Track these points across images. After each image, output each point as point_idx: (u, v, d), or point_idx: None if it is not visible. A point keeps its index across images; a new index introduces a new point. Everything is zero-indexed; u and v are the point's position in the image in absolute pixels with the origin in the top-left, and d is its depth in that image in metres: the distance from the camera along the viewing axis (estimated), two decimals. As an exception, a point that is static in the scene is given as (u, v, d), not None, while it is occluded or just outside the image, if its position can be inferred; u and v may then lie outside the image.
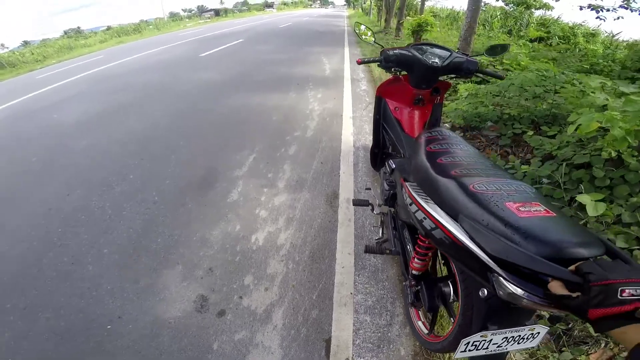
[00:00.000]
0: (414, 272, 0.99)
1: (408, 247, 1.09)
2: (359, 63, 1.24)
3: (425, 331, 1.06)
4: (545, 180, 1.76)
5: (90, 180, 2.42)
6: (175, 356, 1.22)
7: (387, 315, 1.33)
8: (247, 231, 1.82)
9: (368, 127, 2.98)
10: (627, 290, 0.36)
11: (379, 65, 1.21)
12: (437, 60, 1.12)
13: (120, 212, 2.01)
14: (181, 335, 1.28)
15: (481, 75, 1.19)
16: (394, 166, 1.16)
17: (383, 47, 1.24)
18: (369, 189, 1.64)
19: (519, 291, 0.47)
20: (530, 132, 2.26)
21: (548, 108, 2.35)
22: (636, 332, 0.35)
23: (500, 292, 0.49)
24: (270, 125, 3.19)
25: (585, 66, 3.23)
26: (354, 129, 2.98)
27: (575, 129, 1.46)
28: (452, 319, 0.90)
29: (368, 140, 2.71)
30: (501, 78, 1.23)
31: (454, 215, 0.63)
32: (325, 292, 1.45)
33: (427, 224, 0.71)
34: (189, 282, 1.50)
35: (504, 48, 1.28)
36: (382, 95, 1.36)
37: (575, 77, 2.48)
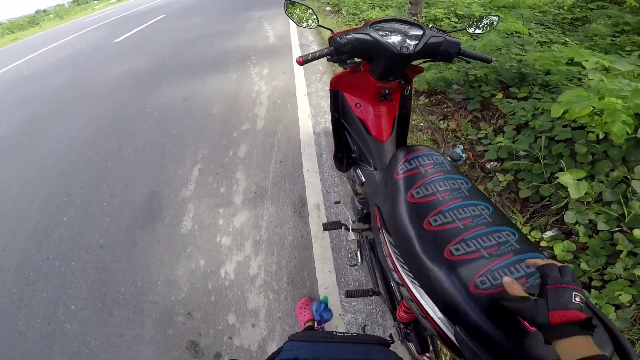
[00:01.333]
0: (401, 321, 0.87)
1: (392, 284, 0.90)
2: (301, 64, 0.82)
3: None
4: (522, 153, 1.60)
5: (20, 231, 1.99)
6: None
7: (380, 329, 1.29)
8: (213, 265, 1.61)
9: (326, 105, 2.58)
10: (579, 296, 0.38)
11: (329, 60, 0.84)
12: (408, 44, 0.80)
13: (69, 263, 1.76)
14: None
15: (464, 58, 0.89)
16: (363, 179, 0.97)
17: (332, 30, 0.87)
18: (339, 202, 1.36)
19: None
20: (500, 95, 2.05)
21: (516, 68, 2.13)
22: (583, 345, 0.35)
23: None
24: (211, 121, 2.67)
25: (539, 15, 2.97)
26: (312, 109, 2.57)
27: (564, 113, 1.24)
28: None
29: (329, 121, 2.32)
30: (488, 61, 0.93)
31: (448, 316, 0.53)
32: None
33: (409, 300, 0.64)
34: (173, 329, 1.42)
35: (490, 23, 0.95)
36: (338, 88, 1.03)
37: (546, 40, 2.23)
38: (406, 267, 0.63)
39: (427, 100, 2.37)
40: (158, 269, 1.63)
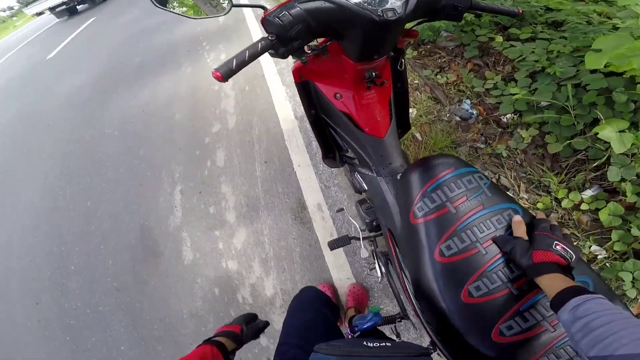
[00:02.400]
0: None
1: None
2: (221, 79, 0.49)
3: None
4: (544, 104, 1.34)
5: (40, 284, 2.00)
6: None
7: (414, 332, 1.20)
8: (228, 292, 1.55)
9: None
10: (560, 245, 0.44)
11: (273, 55, 0.56)
12: (392, 3, 0.52)
13: (97, 308, 1.79)
14: None
15: (478, 12, 0.65)
16: (365, 187, 0.82)
17: (264, 8, 0.57)
18: (342, 209, 1.15)
19: None
20: (499, 38, 1.67)
21: (512, 4, 1.69)
22: (560, 281, 0.41)
23: None
24: (177, 130, 2.35)
25: None
26: (287, 89, 2.22)
27: (605, 66, 0.95)
28: None
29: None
30: (516, 14, 0.68)
31: None
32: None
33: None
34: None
35: None
36: (306, 78, 0.75)
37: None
38: (439, 338, 0.50)
39: (415, 52, 2.00)
40: (177, 303, 1.60)
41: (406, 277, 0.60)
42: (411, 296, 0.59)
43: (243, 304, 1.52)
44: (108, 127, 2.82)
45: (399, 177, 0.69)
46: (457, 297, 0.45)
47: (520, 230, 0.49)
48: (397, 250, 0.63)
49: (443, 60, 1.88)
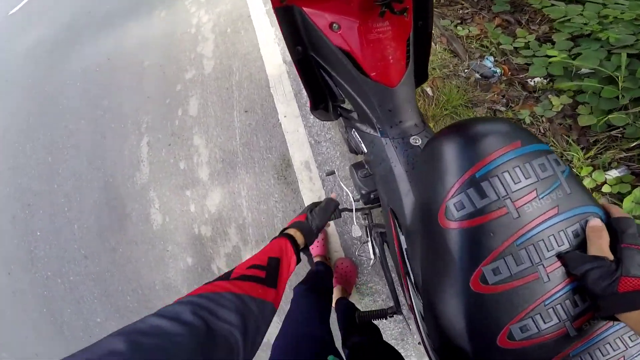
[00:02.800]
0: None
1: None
2: None
3: None
4: (584, 71, 1.19)
5: (9, 252, 1.87)
6: None
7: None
8: (202, 263, 1.42)
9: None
10: None
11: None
12: None
13: (68, 278, 1.67)
14: None
15: None
16: (365, 149, 0.67)
17: None
18: (332, 172, 0.90)
19: None
20: None
21: None
22: None
23: None
24: (146, 77, 2.02)
25: None
26: (277, 31, 1.86)
27: None
28: None
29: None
30: None
31: None
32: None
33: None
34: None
35: None
36: (289, 1, 0.56)
37: None
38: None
39: (435, 3, 1.67)
40: (149, 273, 1.49)
41: (410, 278, 0.48)
42: (416, 312, 0.47)
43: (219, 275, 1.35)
44: (69, 78, 2.46)
45: (412, 140, 0.56)
46: (491, 340, 0.32)
47: (599, 242, 0.32)
48: (402, 241, 0.50)
49: (466, 11, 1.58)
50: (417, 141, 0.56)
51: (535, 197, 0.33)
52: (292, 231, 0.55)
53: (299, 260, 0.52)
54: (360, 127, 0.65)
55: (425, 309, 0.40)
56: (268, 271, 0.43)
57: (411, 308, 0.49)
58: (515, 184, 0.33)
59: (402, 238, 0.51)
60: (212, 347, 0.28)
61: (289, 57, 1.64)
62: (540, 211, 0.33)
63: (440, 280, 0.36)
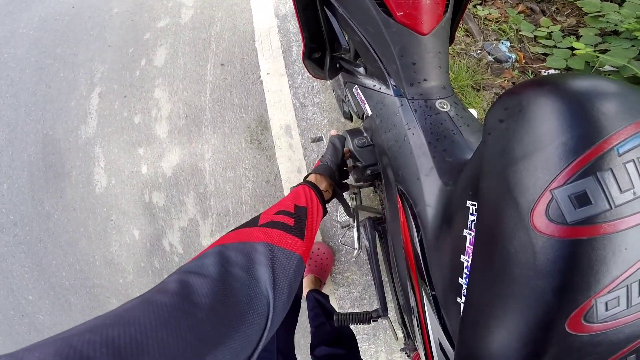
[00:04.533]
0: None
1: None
2: None
3: None
4: (608, 68, 1.15)
5: None
6: None
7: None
8: (151, 237, 1.20)
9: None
10: None
11: None
12: None
13: None
14: None
15: None
16: (369, 110, 0.52)
17: None
18: (320, 139, 0.71)
19: None
20: None
21: None
22: None
23: None
24: (111, 26, 1.75)
25: None
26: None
27: None
28: None
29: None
30: None
31: None
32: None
33: None
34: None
35: None
36: None
37: None
38: None
39: None
40: (88, 246, 1.30)
41: (424, 289, 0.37)
42: (430, 337, 0.36)
43: (170, 253, 1.16)
44: (24, 26, 2.13)
45: (438, 105, 0.45)
46: None
47: None
48: (414, 237, 0.39)
49: None
50: (445, 106, 0.45)
51: None
52: (312, 177, 0.51)
53: (325, 211, 0.48)
54: (367, 82, 0.53)
55: (465, 349, 0.28)
56: (296, 219, 0.38)
57: (422, 323, 0.39)
58: None
59: (415, 232, 0.39)
60: (242, 308, 0.25)
61: (282, 11, 1.45)
62: None
63: (508, 313, 0.23)
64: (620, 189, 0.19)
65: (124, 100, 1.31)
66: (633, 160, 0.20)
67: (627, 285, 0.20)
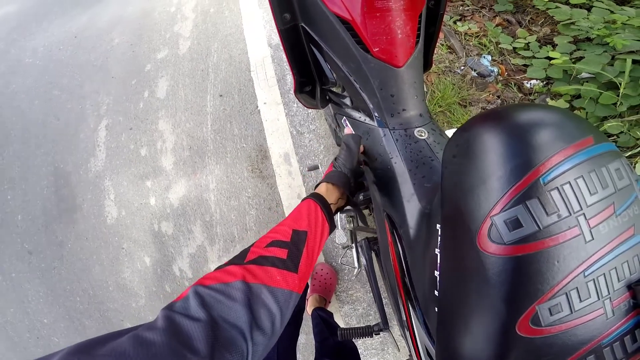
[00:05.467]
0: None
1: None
2: None
3: None
4: (584, 75, 1.19)
5: None
6: None
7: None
8: (162, 263, 1.26)
9: None
10: None
11: None
12: None
13: (10, 275, 1.49)
14: None
15: None
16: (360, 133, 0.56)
17: None
18: (316, 167, 0.76)
19: None
20: None
21: None
22: None
23: None
24: (113, 56, 1.82)
25: None
26: (265, 14, 1.72)
27: None
28: None
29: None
30: None
31: None
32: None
33: None
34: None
35: None
36: None
37: None
38: None
39: None
40: (101, 273, 1.35)
41: (410, 300, 0.42)
42: (418, 342, 0.41)
43: (181, 278, 1.22)
44: (29, 56, 2.21)
45: (417, 133, 0.49)
46: None
47: None
48: (400, 254, 0.44)
49: (466, 8, 1.55)
50: (423, 134, 0.48)
51: (612, 214, 0.25)
52: (323, 188, 0.47)
53: (332, 227, 0.44)
54: (353, 114, 0.56)
55: (441, 350, 0.32)
56: (290, 249, 0.36)
57: (412, 334, 0.42)
58: (591, 195, 0.24)
59: (401, 251, 0.43)
60: (220, 349, 0.26)
61: (274, 40, 1.51)
62: (617, 232, 0.25)
63: (470, 319, 0.27)
64: (547, 213, 0.23)
65: (130, 132, 1.37)
66: (557, 187, 0.23)
67: (566, 293, 0.24)
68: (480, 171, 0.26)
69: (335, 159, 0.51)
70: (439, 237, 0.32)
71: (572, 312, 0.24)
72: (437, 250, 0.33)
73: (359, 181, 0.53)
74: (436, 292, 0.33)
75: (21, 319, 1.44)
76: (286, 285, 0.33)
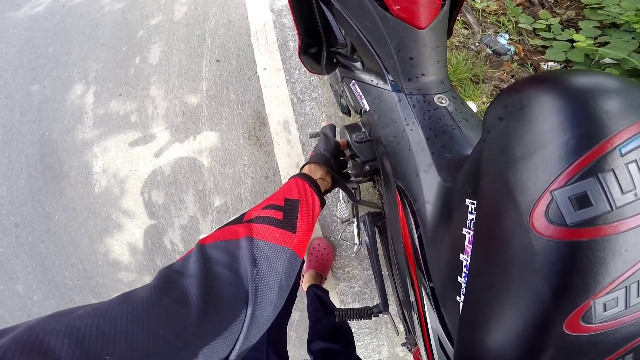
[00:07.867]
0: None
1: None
2: None
3: None
4: (608, 60, 1.15)
5: None
6: None
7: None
8: (152, 235, 1.21)
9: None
10: None
11: None
12: None
13: None
14: None
15: None
16: (367, 105, 0.52)
17: None
18: (318, 135, 0.72)
19: None
20: None
21: None
22: None
23: None
24: (103, 23, 1.73)
25: None
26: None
27: None
28: None
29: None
30: None
31: None
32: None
33: None
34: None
35: None
36: None
37: None
38: None
39: None
40: (89, 245, 1.31)
41: (424, 285, 0.38)
42: (430, 331, 0.36)
43: (172, 251, 1.17)
44: (14, 26, 2.10)
45: (437, 99, 0.44)
46: None
47: None
48: (414, 233, 0.39)
49: None
50: (444, 101, 0.44)
51: None
52: (306, 169, 0.49)
53: (323, 202, 0.46)
54: (364, 78, 0.52)
55: (462, 342, 0.28)
56: (286, 212, 0.36)
57: (422, 320, 0.39)
58: None
59: (414, 228, 0.39)
60: (223, 305, 0.25)
61: (277, 5, 1.44)
62: None
63: (505, 311, 0.23)
64: (622, 190, 0.19)
65: (120, 98, 1.30)
66: (635, 160, 0.19)
67: (626, 287, 0.20)
68: (538, 136, 0.21)
69: (315, 147, 0.55)
70: (471, 215, 0.28)
71: (626, 308, 0.20)
72: (464, 230, 0.28)
73: (341, 160, 0.55)
74: (459, 279, 0.29)
75: (11, 297, 1.41)
76: (286, 244, 0.33)
